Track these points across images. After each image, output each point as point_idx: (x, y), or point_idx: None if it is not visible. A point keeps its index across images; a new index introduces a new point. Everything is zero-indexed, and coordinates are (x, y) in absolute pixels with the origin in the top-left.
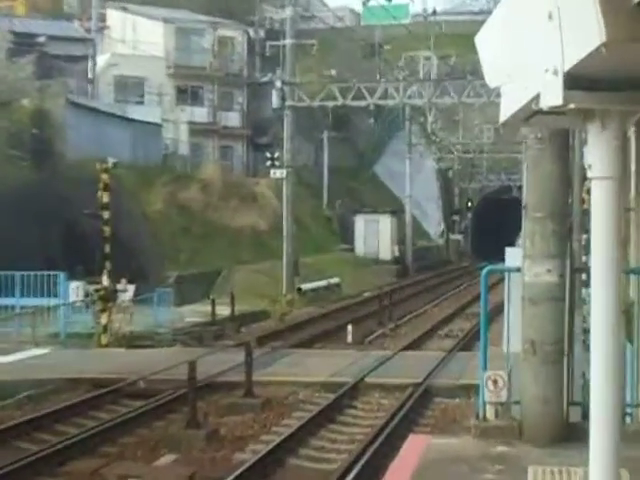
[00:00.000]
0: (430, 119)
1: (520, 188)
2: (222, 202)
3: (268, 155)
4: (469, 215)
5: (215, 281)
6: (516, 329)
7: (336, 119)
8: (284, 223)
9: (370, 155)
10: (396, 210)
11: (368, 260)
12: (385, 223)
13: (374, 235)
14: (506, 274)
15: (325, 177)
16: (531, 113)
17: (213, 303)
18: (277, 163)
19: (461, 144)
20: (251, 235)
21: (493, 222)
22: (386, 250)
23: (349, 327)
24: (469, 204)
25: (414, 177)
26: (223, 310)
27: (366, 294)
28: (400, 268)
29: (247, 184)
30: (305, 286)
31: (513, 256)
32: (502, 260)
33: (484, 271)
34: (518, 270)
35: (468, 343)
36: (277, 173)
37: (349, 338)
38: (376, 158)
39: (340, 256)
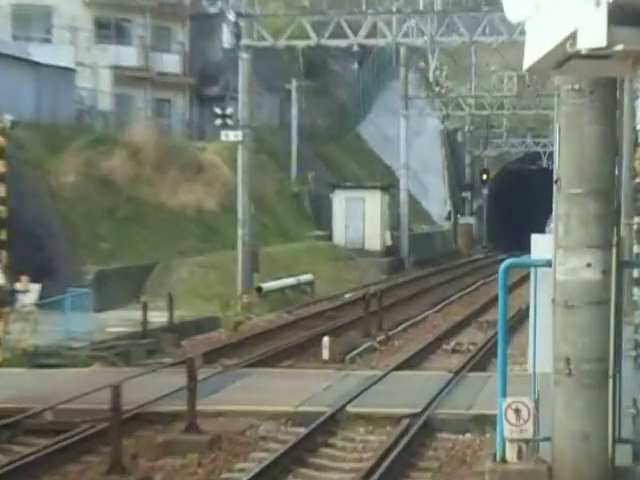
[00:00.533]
0: (433, 64)
1: (552, 156)
2: (157, 174)
3: (218, 111)
4: (484, 192)
5: (147, 278)
6: (545, 342)
7: (309, 64)
8: (239, 202)
9: (354, 112)
10: (388, 185)
11: (350, 251)
12: (373, 202)
13: (358, 218)
14: (532, 270)
15: (294, 141)
16: (565, 57)
17: (145, 308)
18: (230, 122)
19: (474, 97)
20: (196, 218)
21: (516, 201)
22: (374, 238)
23: (325, 340)
24: (484, 177)
25: (412, 141)
26: (158, 317)
27: (348, 296)
28: (393, 262)
29: (190, 150)
30: (267, 285)
31: (541, 246)
32: (527, 251)
33: (502, 266)
34: (548, 264)
35: (482, 361)
36: (230, 135)
37: (325, 354)
38: (361, 116)
39: (313, 245)
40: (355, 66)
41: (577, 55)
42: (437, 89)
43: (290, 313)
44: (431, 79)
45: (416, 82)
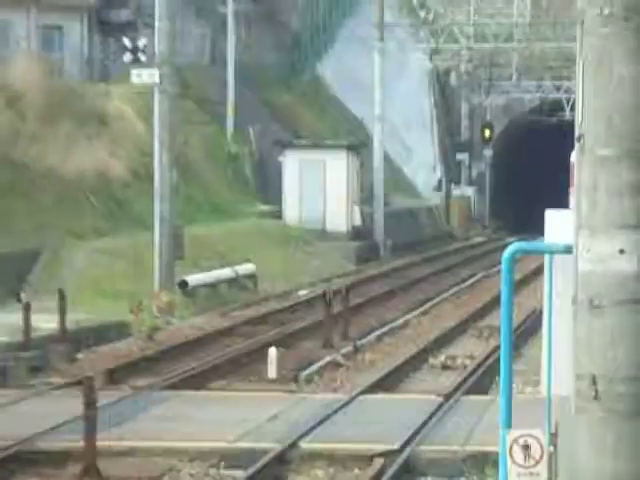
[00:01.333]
0: None
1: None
2: (44, 128)
3: (127, 43)
4: (487, 153)
5: (31, 269)
6: (564, 355)
7: None
8: (156, 167)
9: (311, 46)
10: (357, 144)
11: (307, 233)
12: (337, 167)
13: (317, 189)
14: (546, 258)
15: (230, 84)
16: None
17: (27, 309)
18: (143, 58)
19: (473, 25)
20: (97, 187)
21: (530, 166)
22: (339, 216)
23: (272, 352)
24: (487, 134)
25: (390, 85)
26: (46, 321)
27: (303, 293)
28: (363, 247)
29: (90, 96)
30: (194, 279)
31: (559, 225)
32: (542, 233)
33: (507, 252)
34: (568, 251)
35: (482, 381)
36: (143, 76)
37: (272, 371)
38: (321, 51)
39: (257, 225)
40: None
41: None
42: (423, 14)
43: (225, 316)
44: (415, 1)
45: (395, 5)
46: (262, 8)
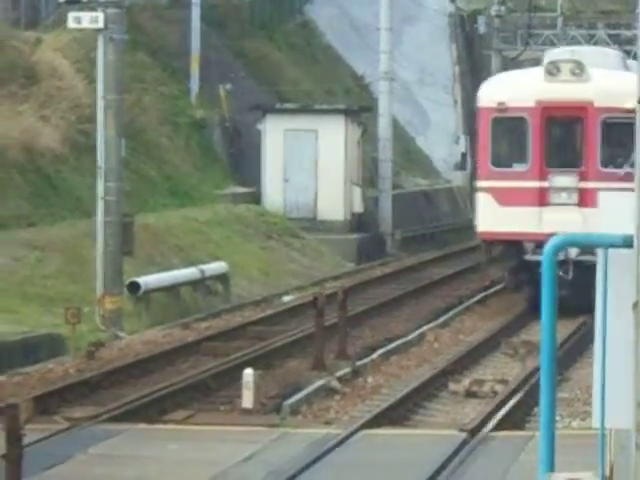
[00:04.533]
0: None
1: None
2: None
3: None
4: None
5: None
6: (623, 380)
7: None
8: (98, 136)
9: None
10: (358, 108)
11: (294, 222)
12: (332, 138)
13: (307, 165)
14: (600, 253)
15: (195, 30)
16: None
17: None
18: None
19: None
20: (23, 163)
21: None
22: (334, 200)
23: (248, 374)
24: None
25: (400, 32)
26: None
27: (288, 299)
28: (366, 240)
29: (15, 45)
30: (148, 280)
31: (617, 210)
32: None
33: (548, 246)
34: (627, 244)
35: (517, 412)
36: (84, 20)
37: (248, 399)
38: None
39: (230, 212)
40: None
41: None
42: None
43: (188, 328)
44: None
45: None
46: None
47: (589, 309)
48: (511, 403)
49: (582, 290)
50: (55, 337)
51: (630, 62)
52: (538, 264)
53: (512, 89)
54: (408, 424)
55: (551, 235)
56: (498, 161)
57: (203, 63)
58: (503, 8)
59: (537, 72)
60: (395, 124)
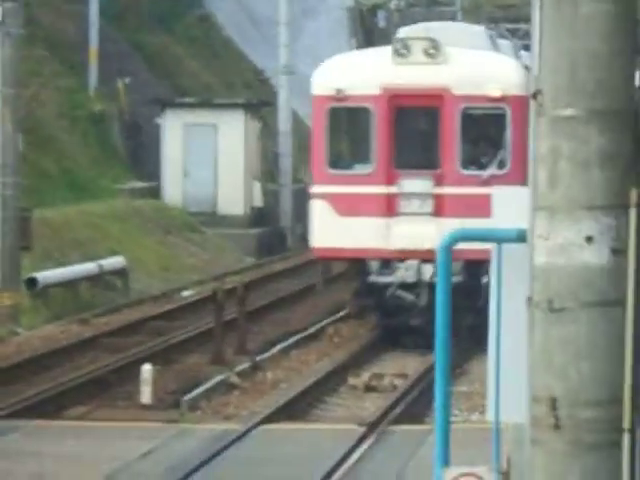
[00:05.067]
0: None
1: None
2: None
3: None
4: None
5: None
6: (516, 372)
7: None
8: None
9: None
10: (258, 102)
11: (193, 217)
12: (232, 132)
13: (206, 159)
14: (493, 248)
15: (93, 24)
16: None
17: None
18: None
19: None
20: None
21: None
22: (234, 195)
23: (146, 370)
24: None
25: (301, 27)
26: None
27: (187, 293)
28: (266, 235)
29: None
30: (46, 275)
31: (509, 206)
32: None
33: (443, 240)
34: (521, 239)
35: (417, 406)
36: None
37: (146, 395)
38: None
39: (128, 207)
40: None
41: None
42: None
43: (86, 323)
44: None
45: None
46: None
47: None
48: (411, 397)
49: None
50: None
51: (502, 42)
52: (385, 287)
53: (353, 73)
54: (308, 419)
55: (401, 252)
56: (336, 162)
57: (101, 57)
58: (403, 2)
59: (384, 53)
60: (295, 118)
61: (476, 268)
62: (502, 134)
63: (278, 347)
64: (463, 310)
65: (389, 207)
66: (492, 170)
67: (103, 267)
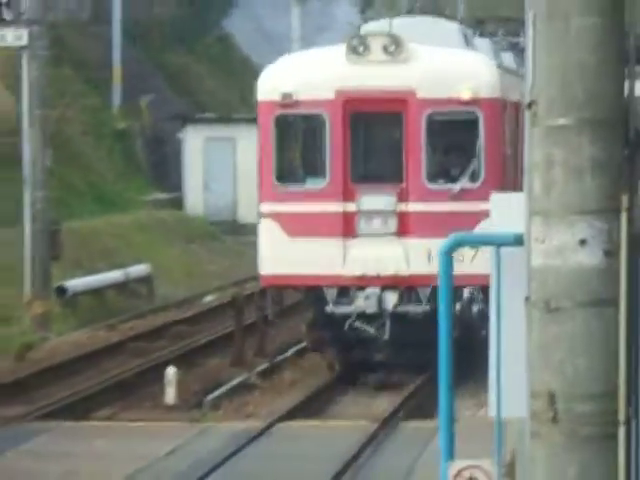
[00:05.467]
0: None
1: None
2: None
3: None
4: None
5: None
6: (516, 369)
7: None
8: (24, 147)
9: None
10: None
11: (214, 226)
12: (250, 144)
13: (226, 172)
14: (492, 251)
15: (117, 46)
16: None
17: None
18: (8, 16)
19: None
20: None
21: None
22: (253, 205)
23: (170, 372)
24: None
25: (312, 42)
26: None
27: (209, 299)
28: None
29: None
30: (75, 284)
31: (507, 211)
32: None
33: (444, 245)
34: (518, 242)
35: (427, 402)
36: (8, 37)
37: (170, 396)
38: (228, 2)
39: (152, 218)
40: None
41: None
42: None
43: (113, 329)
44: None
45: None
46: None
47: (419, 371)
48: (422, 393)
49: (405, 350)
50: None
51: (479, 40)
52: (343, 318)
53: (302, 75)
54: (322, 416)
55: (361, 278)
56: (285, 176)
57: (125, 76)
58: None
59: (338, 51)
60: None
61: None
62: (474, 142)
63: (294, 349)
64: (432, 343)
65: (346, 227)
66: (463, 183)
67: (129, 275)
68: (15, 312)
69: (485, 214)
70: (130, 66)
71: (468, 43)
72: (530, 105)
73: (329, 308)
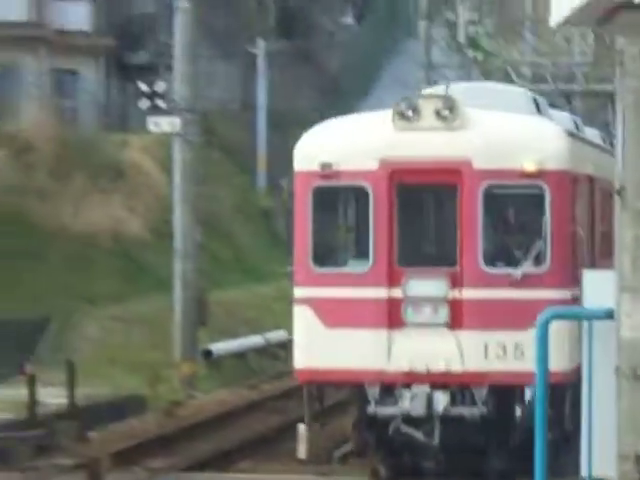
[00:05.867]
0: (463, 15)
1: None
2: (55, 182)
3: (144, 88)
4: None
5: (39, 339)
6: (607, 433)
7: (284, 17)
8: (176, 223)
9: (350, 86)
10: None
11: None
12: None
13: None
14: (584, 325)
15: (262, 132)
16: (612, 5)
17: (32, 382)
18: (163, 104)
19: (530, 65)
20: (113, 247)
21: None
22: None
23: (302, 429)
24: None
25: None
26: (54, 396)
27: None
28: None
29: (106, 146)
30: (220, 347)
31: (599, 287)
32: None
33: (541, 318)
34: (609, 316)
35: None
36: (162, 124)
37: (302, 450)
38: (362, 91)
39: (291, 288)
40: (350, 20)
41: (629, 4)
42: (471, 53)
43: (254, 389)
44: (462, 38)
45: (443, 43)
46: (297, 47)
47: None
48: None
49: (457, 457)
50: (139, 398)
51: (553, 112)
52: (387, 420)
53: (343, 143)
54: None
55: (407, 375)
56: (323, 257)
57: (269, 159)
58: None
59: (384, 117)
60: None
61: (506, 396)
62: (539, 220)
63: None
64: (489, 450)
65: (391, 316)
66: (526, 267)
67: (270, 339)
68: (165, 372)
69: (552, 303)
70: (273, 150)
71: (541, 111)
72: (620, 191)
73: (371, 408)
